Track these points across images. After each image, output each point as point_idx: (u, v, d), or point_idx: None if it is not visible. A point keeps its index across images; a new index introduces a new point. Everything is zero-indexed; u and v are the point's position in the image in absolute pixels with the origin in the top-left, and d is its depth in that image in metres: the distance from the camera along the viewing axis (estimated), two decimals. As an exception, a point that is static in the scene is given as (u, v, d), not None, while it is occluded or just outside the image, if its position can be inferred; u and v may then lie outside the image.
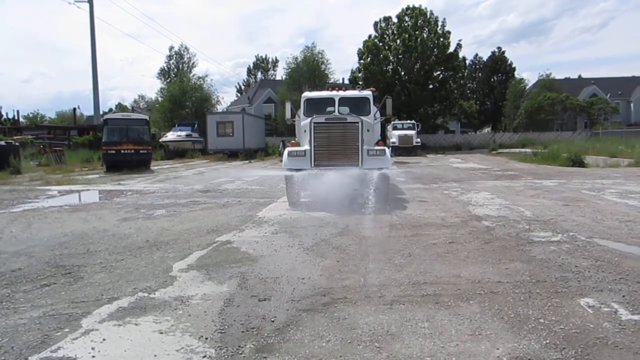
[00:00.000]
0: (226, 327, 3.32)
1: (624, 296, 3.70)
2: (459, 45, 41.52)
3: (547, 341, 2.95)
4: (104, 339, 3.16)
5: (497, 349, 2.87)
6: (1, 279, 4.61)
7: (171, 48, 61.26)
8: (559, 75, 61.44)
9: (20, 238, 6.62)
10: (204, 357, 2.88)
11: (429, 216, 7.71)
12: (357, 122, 8.96)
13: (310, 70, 42.47)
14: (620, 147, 25.82)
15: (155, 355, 2.92)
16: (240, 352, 2.92)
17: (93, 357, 2.91)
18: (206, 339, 3.14)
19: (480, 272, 4.49)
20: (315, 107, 10.17)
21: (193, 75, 50.15)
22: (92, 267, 5.05)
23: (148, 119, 23.55)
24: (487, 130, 60.77)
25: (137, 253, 5.62)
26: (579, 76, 65.60)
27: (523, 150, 31.04)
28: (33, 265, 5.13)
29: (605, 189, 10.85)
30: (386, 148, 9.38)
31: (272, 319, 3.44)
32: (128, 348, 3.03)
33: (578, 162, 18.14)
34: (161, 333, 3.26)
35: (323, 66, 44.41)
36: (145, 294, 4.08)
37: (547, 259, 4.86)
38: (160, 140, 32.76)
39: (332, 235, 6.07)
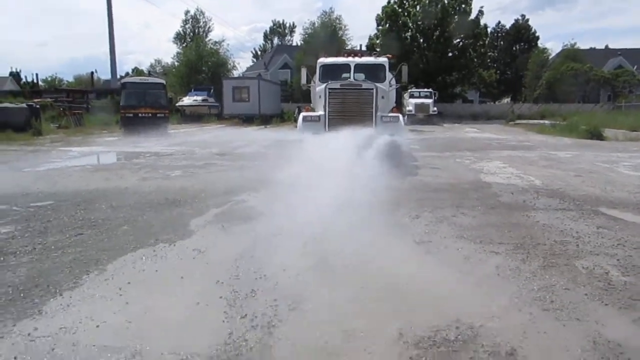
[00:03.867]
0: (241, 274, 3.59)
1: (618, 260, 3.87)
2: (480, 12, 40.50)
3: (538, 295, 3.16)
4: (129, 282, 3.46)
5: (493, 300, 3.09)
6: (33, 230, 4.95)
7: (187, 12, 60.84)
8: (584, 45, 59.48)
9: (48, 194, 6.97)
10: (220, 297, 3.16)
11: (440, 182, 7.86)
12: (372, 89, 9.05)
13: (327, 36, 41.99)
14: (643, 121, 25.27)
15: (176, 296, 3.22)
16: (253, 295, 3.20)
17: (120, 295, 3.21)
18: (222, 283, 3.42)
19: (483, 233, 4.68)
20: (331, 73, 10.25)
21: (209, 40, 49.93)
22: (116, 220, 5.36)
23: (165, 83, 23.73)
24: (506, 100, 59.60)
25: (157, 209, 5.93)
26: (606, 46, 63.38)
27: (542, 121, 30.58)
28: (61, 219, 5.46)
29: (620, 161, 10.81)
30: (400, 115, 9.48)
31: (284, 269, 3.68)
32: (151, 289, 3.33)
33: (596, 135, 17.93)
34: (181, 277, 3.54)
35: (340, 32, 43.93)
36: (166, 245, 4.37)
37: (550, 225, 5.02)
38: (177, 104, 33.00)
39: (344, 197, 6.26)
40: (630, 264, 3.76)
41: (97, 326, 2.77)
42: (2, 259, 4.01)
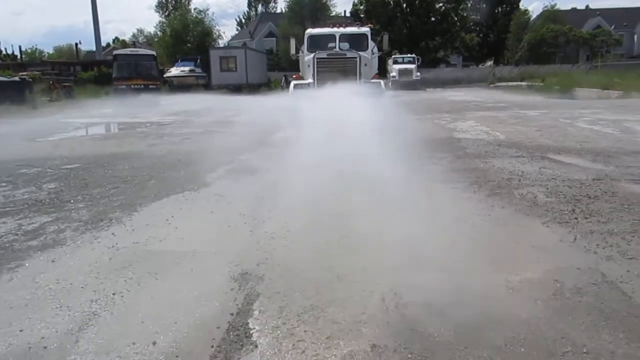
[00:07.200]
0: (257, 208, 4.64)
1: (547, 188, 5.01)
2: (462, -25, 40.84)
3: (480, 212, 4.28)
4: (172, 216, 4.49)
5: (445, 217, 4.19)
6: (75, 185, 5.93)
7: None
8: (566, 5, 60.28)
9: (72, 158, 7.91)
10: (245, 223, 4.22)
11: (416, 139, 8.88)
12: (356, 57, 10.01)
13: (311, 2, 42.06)
14: (616, 80, 26.39)
15: (210, 223, 4.28)
16: (270, 219, 4.27)
17: (169, 224, 4.25)
18: (244, 215, 4.46)
19: (447, 176, 5.78)
20: (318, 43, 11.13)
21: (195, 8, 49.60)
22: (142, 177, 6.35)
23: (156, 54, 24.22)
24: (489, 64, 60.39)
25: (174, 168, 6.92)
26: (587, 6, 64.25)
27: (521, 83, 31.70)
28: (93, 176, 6.44)
29: (581, 117, 11.96)
30: (381, 81, 10.49)
31: (290, 205, 4.74)
32: (190, 219, 4.38)
33: (568, 94, 19.11)
34: (211, 212, 4.59)
35: (324, -1, 43.91)
36: (192, 192, 5.39)
37: (502, 168, 6.14)
38: (165, 75, 33.35)
39: (332, 153, 7.29)
40: (555, 191, 4.91)
41: (160, 241, 3.83)
42: (63, 204, 5.02)
